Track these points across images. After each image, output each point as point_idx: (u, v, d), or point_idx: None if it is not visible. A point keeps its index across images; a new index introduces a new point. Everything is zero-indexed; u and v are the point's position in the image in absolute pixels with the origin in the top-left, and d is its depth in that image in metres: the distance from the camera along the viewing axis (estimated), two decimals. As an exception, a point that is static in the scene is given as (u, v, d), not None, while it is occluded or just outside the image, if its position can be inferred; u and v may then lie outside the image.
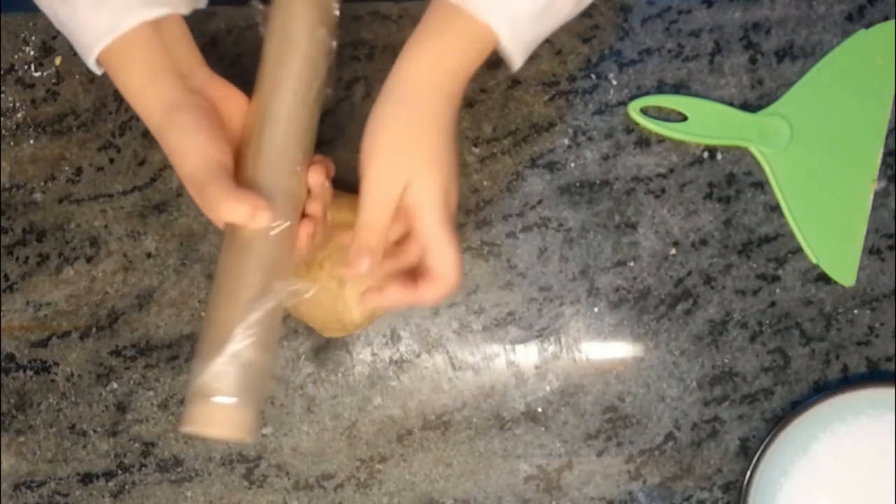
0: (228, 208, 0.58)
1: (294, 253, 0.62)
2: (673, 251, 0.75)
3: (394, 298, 0.63)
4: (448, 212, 0.61)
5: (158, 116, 0.61)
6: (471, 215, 0.75)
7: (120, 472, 0.77)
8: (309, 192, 0.63)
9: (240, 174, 0.61)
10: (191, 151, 0.60)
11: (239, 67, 0.76)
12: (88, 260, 0.77)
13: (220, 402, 0.58)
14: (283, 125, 0.62)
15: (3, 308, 0.77)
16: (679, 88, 0.75)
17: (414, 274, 0.63)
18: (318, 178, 0.63)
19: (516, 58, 0.62)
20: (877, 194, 0.74)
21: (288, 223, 0.61)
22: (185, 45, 0.63)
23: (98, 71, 0.63)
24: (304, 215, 0.63)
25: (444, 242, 0.61)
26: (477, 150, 0.76)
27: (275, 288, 0.61)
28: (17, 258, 0.77)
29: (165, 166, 0.77)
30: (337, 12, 0.64)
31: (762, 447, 0.71)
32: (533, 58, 0.75)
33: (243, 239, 0.60)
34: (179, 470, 0.76)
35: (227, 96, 0.63)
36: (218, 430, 0.58)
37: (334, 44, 0.64)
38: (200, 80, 0.63)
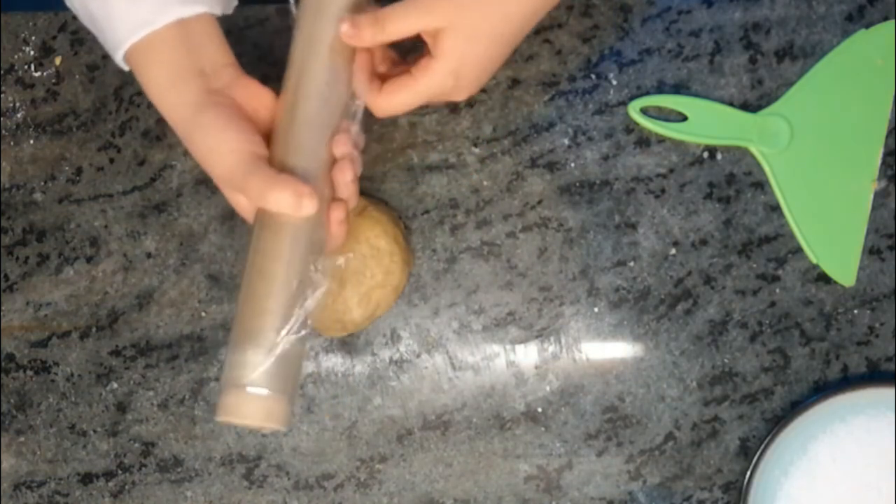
0: (276, 198, 0.58)
1: (326, 235, 0.63)
2: (673, 251, 0.75)
3: (394, 98, 0.64)
4: (452, 81, 0.63)
5: (184, 119, 0.61)
6: (471, 215, 0.75)
7: (120, 472, 0.77)
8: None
9: (275, 154, 0.61)
10: (223, 148, 0.60)
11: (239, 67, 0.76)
12: (88, 260, 0.77)
13: (254, 393, 0.58)
14: (313, 109, 0.62)
15: (3, 308, 0.77)
16: (679, 88, 0.75)
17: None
18: (345, 150, 0.63)
19: None
20: (877, 194, 0.74)
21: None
22: (215, 45, 0.63)
23: (125, 67, 0.63)
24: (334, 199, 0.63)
25: (413, 83, 0.63)
26: (477, 150, 0.76)
27: (312, 279, 0.61)
28: (17, 258, 0.77)
29: (165, 166, 0.77)
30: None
31: (762, 447, 0.71)
32: (533, 58, 0.75)
33: (279, 223, 0.60)
34: (179, 470, 0.76)
35: (254, 94, 0.63)
36: (252, 421, 0.58)
37: None
38: (226, 80, 0.62)
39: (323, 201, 0.61)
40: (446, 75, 0.63)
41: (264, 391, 0.58)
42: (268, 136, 0.62)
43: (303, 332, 0.60)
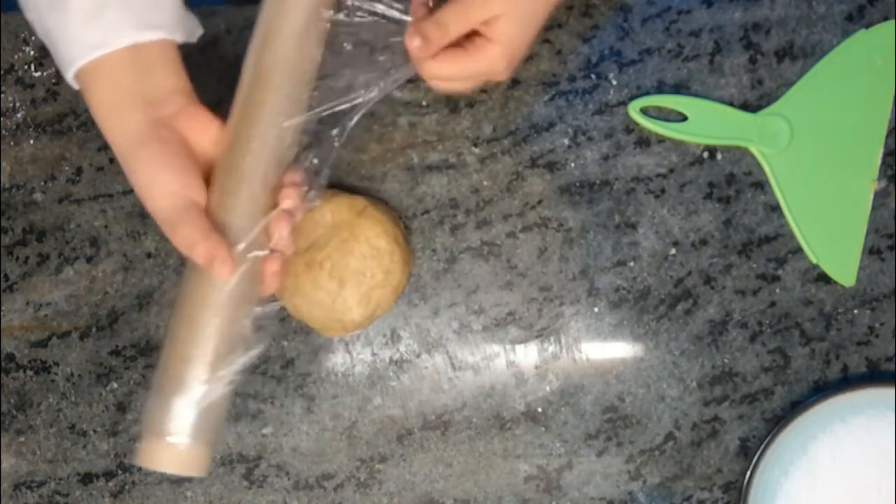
0: (198, 255, 0.58)
1: (261, 285, 0.61)
2: (673, 251, 0.75)
3: (445, 67, 0.64)
4: (503, 65, 0.64)
5: (124, 149, 0.60)
6: (471, 215, 0.75)
7: (120, 472, 0.77)
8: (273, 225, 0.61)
9: (213, 198, 0.60)
10: (158, 189, 0.59)
11: (238, 68, 0.76)
12: (88, 260, 0.77)
13: (174, 443, 0.58)
14: (260, 150, 0.60)
15: (3, 308, 0.77)
16: (679, 88, 0.75)
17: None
18: (284, 228, 0.61)
19: None
20: (877, 194, 0.74)
21: (261, 253, 0.60)
22: (168, 70, 0.61)
23: (75, 86, 0.62)
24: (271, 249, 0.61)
25: (466, 58, 0.63)
26: (477, 150, 0.76)
27: (245, 334, 0.60)
28: (17, 258, 0.77)
29: (165, 166, 0.77)
30: (328, 18, 0.63)
31: (762, 447, 0.71)
32: (533, 58, 0.75)
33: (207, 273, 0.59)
34: (179, 470, 0.76)
35: (201, 125, 0.61)
36: (170, 468, 0.58)
37: (319, 54, 0.63)
38: (174, 108, 0.61)
39: (263, 247, 0.60)
40: (501, 58, 0.64)
41: (185, 441, 0.58)
42: (209, 173, 0.61)
43: (228, 388, 0.59)
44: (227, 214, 0.59)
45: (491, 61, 0.64)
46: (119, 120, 0.60)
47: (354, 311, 0.71)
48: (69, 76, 0.61)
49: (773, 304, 0.74)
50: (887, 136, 0.74)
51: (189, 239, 0.58)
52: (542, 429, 0.75)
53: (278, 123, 0.61)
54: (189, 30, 0.64)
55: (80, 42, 0.59)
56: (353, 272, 0.70)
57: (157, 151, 0.59)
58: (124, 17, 0.59)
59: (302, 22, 0.61)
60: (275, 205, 0.61)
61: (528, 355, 0.75)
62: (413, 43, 0.61)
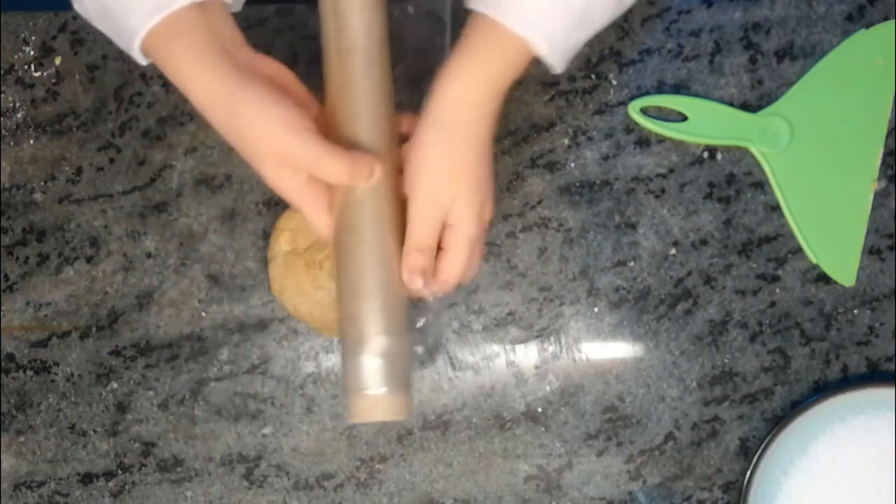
0: (347, 167, 0.59)
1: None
2: (673, 251, 0.75)
3: (444, 271, 0.64)
4: (478, 227, 0.63)
5: (225, 96, 0.59)
6: (471, 215, 0.75)
7: (120, 472, 0.77)
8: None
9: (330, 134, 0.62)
10: (277, 122, 0.58)
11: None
12: (88, 260, 0.77)
13: (373, 394, 0.61)
14: (364, 87, 0.62)
15: (3, 308, 0.77)
16: (679, 88, 0.75)
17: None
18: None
19: (556, 65, 0.63)
20: (877, 194, 0.74)
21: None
22: (230, 26, 0.62)
23: (142, 60, 0.61)
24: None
25: (458, 253, 0.63)
26: (477, 150, 0.76)
27: (401, 287, 0.63)
28: (17, 258, 0.77)
29: (165, 166, 0.77)
30: None
31: (762, 447, 0.71)
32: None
33: (351, 217, 0.61)
34: (179, 470, 0.76)
35: (278, 71, 0.63)
36: (378, 417, 0.62)
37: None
38: (248, 60, 0.61)
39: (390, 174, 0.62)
40: (471, 224, 0.63)
41: (381, 391, 0.61)
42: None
43: (407, 337, 0.63)
44: (356, 137, 0.62)
45: (465, 237, 0.63)
46: (211, 70, 0.59)
47: None
48: (136, 47, 0.60)
49: (773, 304, 0.74)
50: (887, 136, 0.74)
51: (321, 154, 0.58)
52: (542, 429, 0.75)
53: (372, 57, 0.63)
54: None
55: (141, 9, 0.59)
56: None
57: (264, 89, 0.59)
58: None
59: None
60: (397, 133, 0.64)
61: (528, 355, 0.75)
62: (416, 285, 0.62)
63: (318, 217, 0.62)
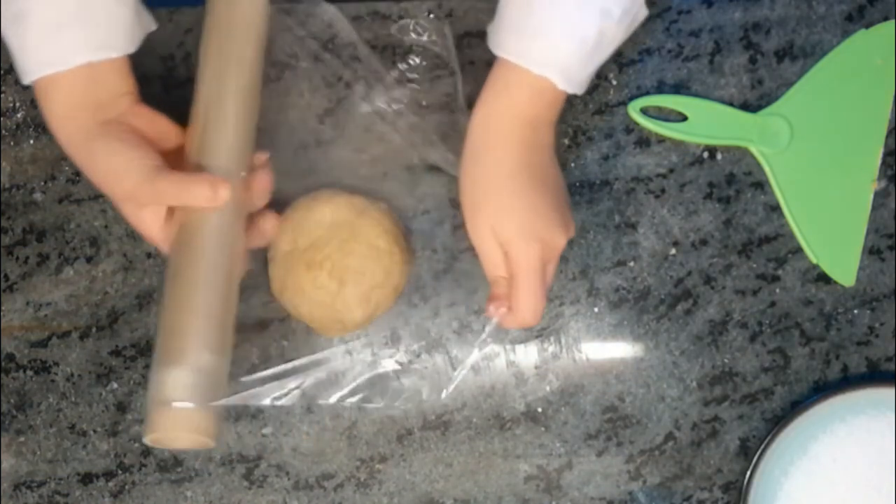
0: (191, 192, 0.62)
1: (243, 243, 0.67)
2: (673, 251, 0.75)
3: (518, 310, 0.65)
4: (536, 253, 0.63)
5: (78, 146, 0.64)
6: (471, 215, 0.75)
7: (120, 472, 0.77)
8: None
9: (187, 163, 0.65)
10: (125, 166, 0.62)
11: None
12: (88, 260, 0.77)
13: (180, 408, 0.60)
14: (229, 119, 0.65)
15: (3, 308, 0.77)
16: (679, 88, 0.75)
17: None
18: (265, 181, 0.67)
19: (577, 90, 0.65)
20: (877, 194, 0.74)
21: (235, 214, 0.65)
22: (118, 78, 0.65)
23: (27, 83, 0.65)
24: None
25: (522, 284, 0.63)
26: (477, 150, 0.76)
27: (228, 292, 0.64)
28: (17, 258, 0.77)
29: (165, 166, 0.77)
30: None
31: (762, 447, 0.71)
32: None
33: (192, 234, 0.63)
34: (179, 470, 0.76)
35: (150, 120, 0.66)
36: (180, 434, 0.61)
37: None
38: (122, 108, 0.65)
39: (239, 209, 0.65)
40: (527, 249, 0.63)
41: (186, 405, 0.60)
42: (164, 158, 0.64)
43: (223, 358, 0.63)
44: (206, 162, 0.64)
45: (530, 265, 0.63)
46: (73, 123, 0.63)
47: (355, 311, 0.71)
48: (25, 82, 0.64)
49: (773, 304, 0.74)
50: (887, 136, 0.74)
51: (175, 185, 0.62)
52: (542, 429, 0.75)
53: (242, 91, 0.66)
54: (141, 36, 0.67)
55: (37, 57, 0.63)
56: (353, 272, 0.70)
57: (113, 139, 0.63)
58: (81, 38, 0.62)
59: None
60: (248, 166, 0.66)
61: (528, 355, 0.75)
62: (501, 314, 0.65)
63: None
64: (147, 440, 0.61)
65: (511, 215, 0.63)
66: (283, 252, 0.72)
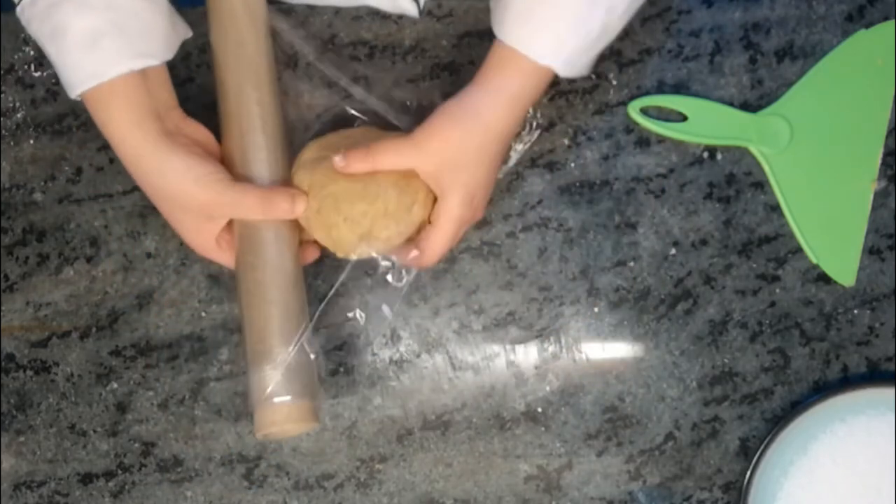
0: (275, 205, 0.65)
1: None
2: (673, 251, 0.75)
3: (428, 248, 0.68)
4: (466, 212, 0.67)
5: (152, 154, 0.64)
6: (471, 215, 0.75)
7: (120, 472, 0.77)
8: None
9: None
10: (206, 178, 0.64)
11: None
12: (88, 260, 0.77)
13: (279, 403, 0.65)
14: (267, 130, 0.68)
15: (3, 308, 0.77)
16: (679, 88, 0.75)
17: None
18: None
19: (577, 75, 0.68)
20: (877, 194, 0.74)
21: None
22: (165, 89, 0.67)
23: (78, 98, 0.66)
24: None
25: (445, 229, 0.67)
26: (477, 150, 0.76)
27: (301, 307, 0.68)
28: (17, 258, 0.77)
29: (165, 166, 0.77)
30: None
31: (762, 447, 0.71)
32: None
33: (260, 244, 0.67)
34: (179, 470, 0.76)
35: (199, 134, 0.69)
36: (286, 426, 0.66)
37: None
38: (175, 121, 0.67)
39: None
40: (461, 207, 0.66)
41: (287, 398, 0.65)
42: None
43: (307, 345, 0.67)
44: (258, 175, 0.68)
45: (455, 215, 0.66)
46: (143, 133, 0.64)
47: (341, 227, 0.67)
48: (72, 96, 0.65)
49: (773, 304, 0.74)
50: (887, 136, 0.74)
51: (261, 198, 0.65)
52: (542, 429, 0.75)
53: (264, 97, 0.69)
54: (178, 44, 0.69)
55: (80, 70, 0.64)
56: (390, 187, 0.67)
57: (184, 152, 0.65)
58: (120, 47, 0.63)
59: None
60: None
61: (528, 355, 0.75)
62: (335, 158, 0.66)
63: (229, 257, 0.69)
64: (259, 436, 0.67)
65: (470, 176, 0.66)
66: (310, 159, 0.69)
